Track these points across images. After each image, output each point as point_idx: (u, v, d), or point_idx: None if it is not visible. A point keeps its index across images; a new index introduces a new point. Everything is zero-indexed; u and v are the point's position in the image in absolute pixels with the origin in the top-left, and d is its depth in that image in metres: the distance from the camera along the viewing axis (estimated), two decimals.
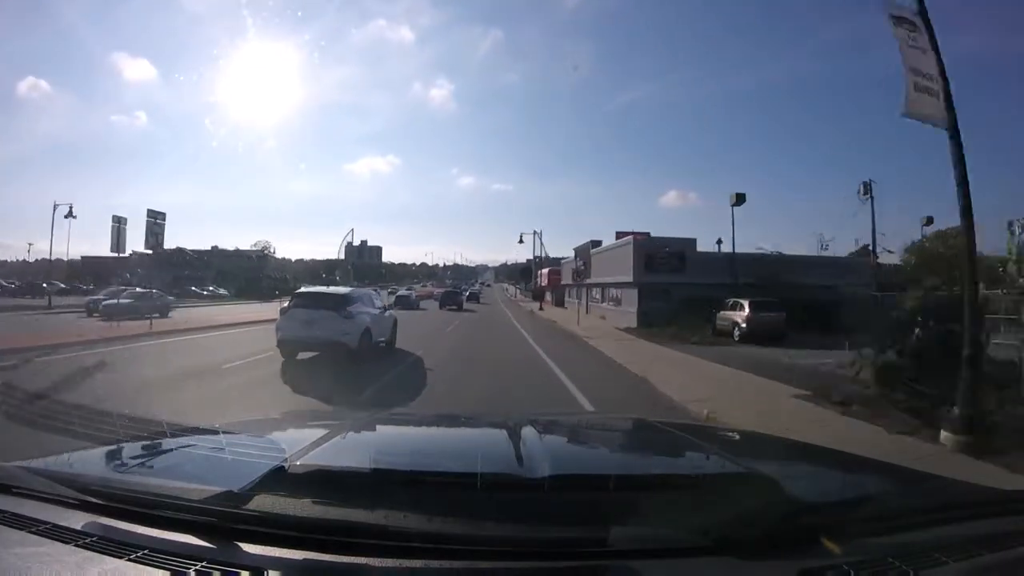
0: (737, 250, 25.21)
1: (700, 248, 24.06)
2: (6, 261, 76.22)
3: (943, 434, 5.04)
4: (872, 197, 28.01)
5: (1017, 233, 21.23)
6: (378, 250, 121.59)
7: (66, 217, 32.55)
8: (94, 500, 1.04)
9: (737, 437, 2.22)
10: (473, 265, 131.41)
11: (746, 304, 17.85)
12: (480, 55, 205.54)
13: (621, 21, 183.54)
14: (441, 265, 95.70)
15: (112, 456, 1.46)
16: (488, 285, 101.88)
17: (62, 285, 44.39)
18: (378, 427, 1.90)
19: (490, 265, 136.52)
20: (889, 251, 28.80)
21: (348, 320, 10.35)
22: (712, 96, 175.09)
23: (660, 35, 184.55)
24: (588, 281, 28.23)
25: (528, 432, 1.57)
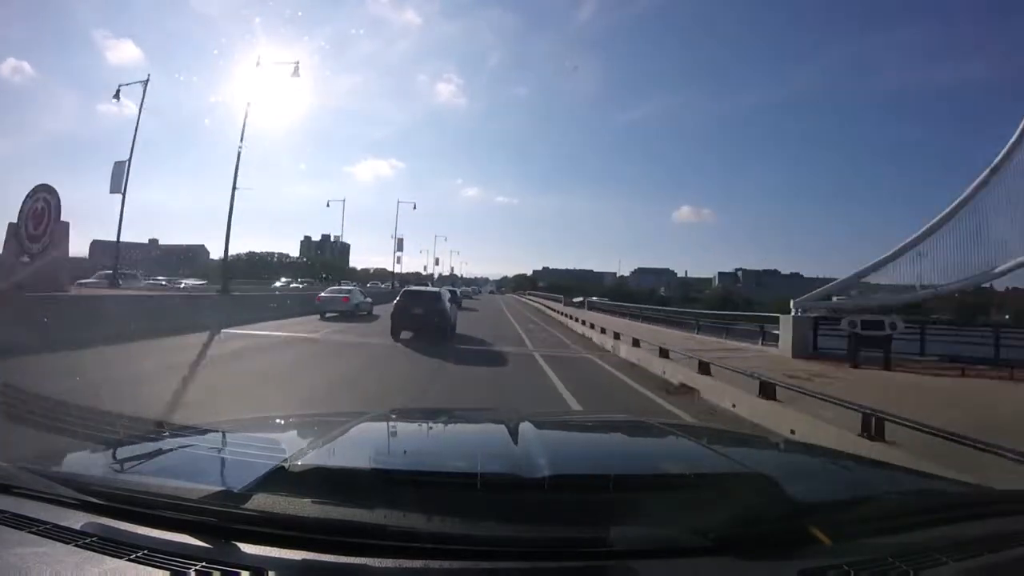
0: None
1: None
2: None
3: None
4: None
5: None
6: (345, 247, 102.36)
7: None
8: (94, 500, 1.04)
9: (737, 437, 2.22)
10: (473, 277, 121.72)
11: None
12: (489, 66, 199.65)
13: (629, 38, 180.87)
14: (436, 275, 79.29)
15: (112, 456, 1.46)
16: (491, 292, 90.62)
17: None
18: (378, 426, 1.90)
19: (491, 278, 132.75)
20: None
21: None
22: (725, 111, 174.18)
23: (669, 51, 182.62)
24: None
25: (528, 432, 1.57)
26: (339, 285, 29.86)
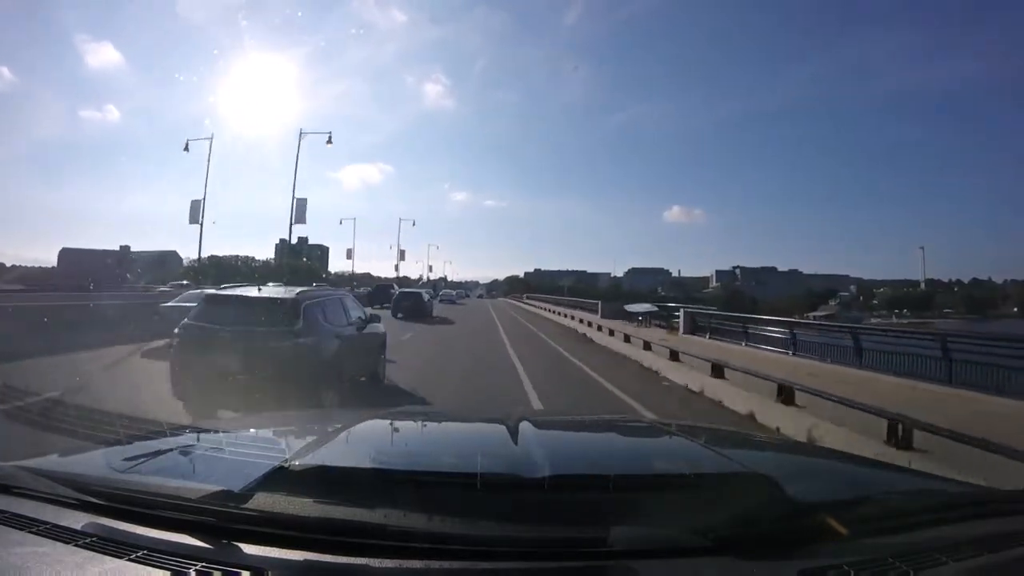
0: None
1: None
2: None
3: None
4: None
5: None
6: (323, 250, 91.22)
7: None
8: (94, 500, 1.05)
9: (738, 437, 2.22)
10: (462, 280, 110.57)
11: None
12: (477, 68, 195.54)
13: (619, 41, 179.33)
14: (424, 279, 71.30)
15: (112, 456, 1.46)
16: (480, 296, 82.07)
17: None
18: (378, 426, 1.90)
19: (481, 281, 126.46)
20: None
21: None
22: (715, 113, 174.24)
23: (660, 54, 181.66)
24: None
25: (528, 431, 1.57)
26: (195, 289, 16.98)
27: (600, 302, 26.55)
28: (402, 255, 50.55)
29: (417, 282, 67.14)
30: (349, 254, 52.84)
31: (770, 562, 0.92)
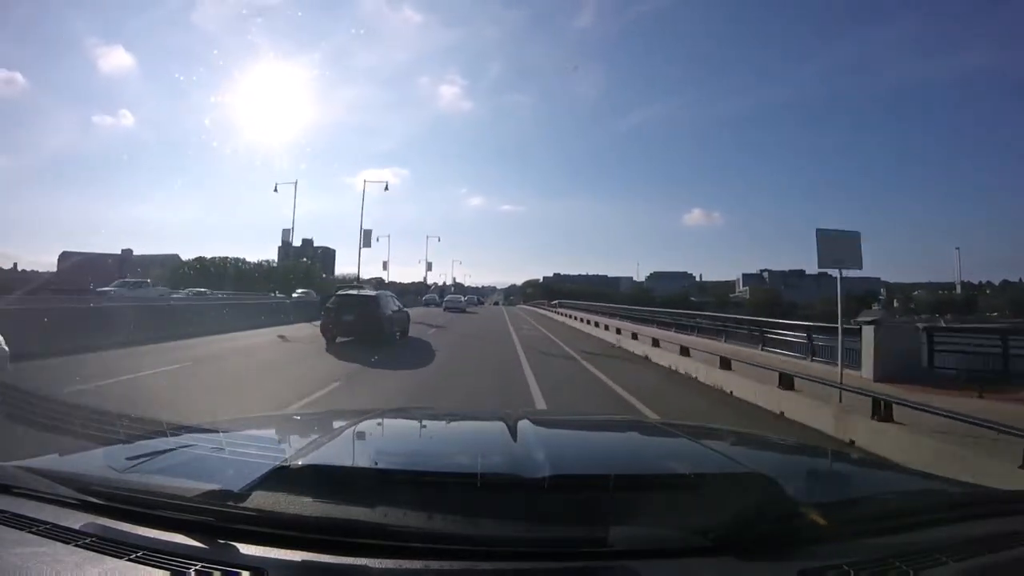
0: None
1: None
2: None
3: None
4: None
5: None
6: (329, 253, 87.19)
7: None
8: (93, 500, 1.05)
9: (738, 437, 2.22)
10: (479, 286, 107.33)
11: None
12: (494, 72, 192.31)
13: (638, 40, 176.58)
14: (440, 284, 69.75)
15: (111, 456, 1.46)
16: (497, 303, 78.95)
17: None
18: (378, 426, 1.90)
19: (499, 287, 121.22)
20: None
21: None
22: (733, 112, 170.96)
23: (675, 56, 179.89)
24: None
25: (528, 431, 1.57)
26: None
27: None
28: (367, 237, 37.58)
29: (430, 288, 61.34)
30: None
31: (770, 562, 0.92)
